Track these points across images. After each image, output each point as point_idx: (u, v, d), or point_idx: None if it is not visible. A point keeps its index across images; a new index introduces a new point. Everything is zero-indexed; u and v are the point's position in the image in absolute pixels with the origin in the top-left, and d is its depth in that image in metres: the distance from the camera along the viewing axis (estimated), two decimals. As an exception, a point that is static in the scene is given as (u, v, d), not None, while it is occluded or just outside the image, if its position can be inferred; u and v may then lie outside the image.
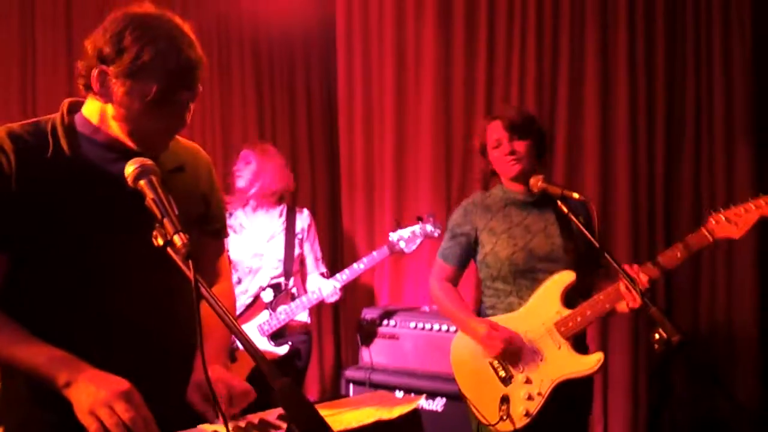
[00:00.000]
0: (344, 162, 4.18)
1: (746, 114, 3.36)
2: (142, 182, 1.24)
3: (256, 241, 3.25)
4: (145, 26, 1.35)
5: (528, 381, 2.32)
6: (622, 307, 2.23)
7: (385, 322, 3.36)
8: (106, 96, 1.38)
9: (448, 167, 3.89)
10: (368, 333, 3.39)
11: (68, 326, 1.40)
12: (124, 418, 1.21)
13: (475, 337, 2.39)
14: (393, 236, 3.23)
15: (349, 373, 3.39)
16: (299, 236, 3.30)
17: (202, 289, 1.11)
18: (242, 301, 3.17)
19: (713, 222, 2.14)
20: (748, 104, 3.36)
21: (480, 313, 2.54)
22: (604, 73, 3.57)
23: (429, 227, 3.23)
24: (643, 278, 2.15)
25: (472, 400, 2.40)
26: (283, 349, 3.13)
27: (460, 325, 2.49)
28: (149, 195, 1.22)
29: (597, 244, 2.15)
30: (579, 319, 2.30)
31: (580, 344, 2.37)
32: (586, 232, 2.18)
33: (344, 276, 3.19)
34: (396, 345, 3.32)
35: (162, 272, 1.21)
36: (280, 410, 1.37)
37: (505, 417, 2.30)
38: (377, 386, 3.22)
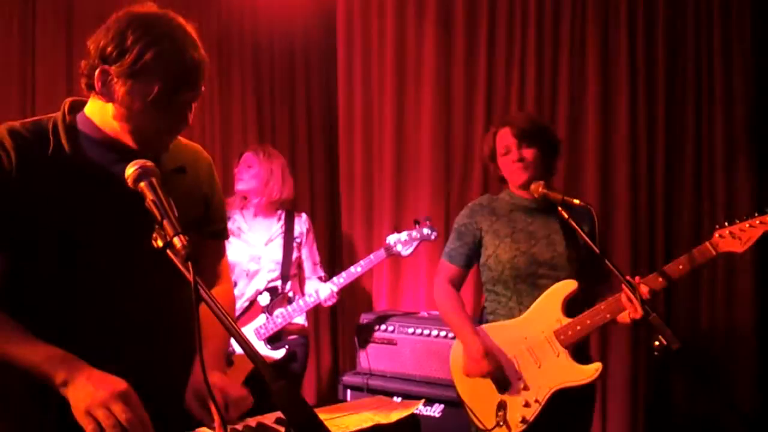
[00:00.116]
0: (343, 166, 4.18)
1: (747, 122, 3.36)
2: (142, 184, 1.24)
3: (254, 245, 3.24)
4: (147, 26, 1.35)
5: (526, 388, 2.32)
6: (624, 317, 2.22)
7: (383, 327, 3.34)
8: (107, 95, 1.38)
9: (448, 172, 3.88)
10: (366, 338, 3.38)
11: (67, 325, 1.39)
12: (121, 419, 1.20)
13: (464, 353, 2.40)
14: (390, 239, 3.23)
15: (347, 378, 3.38)
16: (297, 240, 3.29)
17: (202, 291, 1.10)
18: (239, 304, 3.16)
19: (718, 236, 2.15)
20: (748, 112, 3.36)
21: (481, 317, 2.53)
22: (605, 79, 3.57)
23: (426, 230, 3.23)
24: (644, 289, 2.15)
25: (470, 405, 2.41)
26: (279, 353, 3.12)
27: (457, 335, 2.49)
28: (149, 196, 1.22)
29: (597, 251, 2.15)
30: (579, 328, 2.30)
31: (580, 353, 2.37)
32: (587, 239, 2.19)
33: (341, 279, 3.19)
34: (394, 350, 3.31)
35: (162, 273, 1.20)
36: (278, 414, 1.36)
37: (501, 423, 2.30)
38: (375, 392, 3.19)
